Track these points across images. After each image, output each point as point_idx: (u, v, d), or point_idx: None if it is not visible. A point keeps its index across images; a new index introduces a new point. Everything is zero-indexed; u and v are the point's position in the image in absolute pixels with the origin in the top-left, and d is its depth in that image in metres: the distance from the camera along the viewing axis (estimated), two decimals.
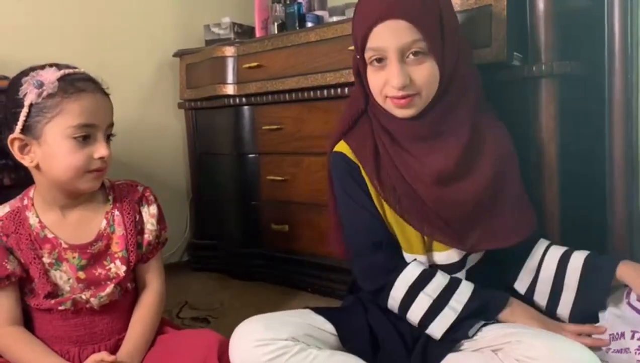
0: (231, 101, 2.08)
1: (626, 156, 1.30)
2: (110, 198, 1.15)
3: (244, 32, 2.34)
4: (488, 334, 1.00)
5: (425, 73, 1.04)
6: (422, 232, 1.08)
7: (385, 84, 1.05)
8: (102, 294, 1.09)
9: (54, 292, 1.08)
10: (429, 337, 1.05)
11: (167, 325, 1.21)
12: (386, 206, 1.12)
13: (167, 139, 2.38)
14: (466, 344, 1.02)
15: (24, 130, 1.03)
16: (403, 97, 1.04)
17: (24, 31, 1.93)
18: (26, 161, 1.05)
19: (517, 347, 0.92)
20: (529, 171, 1.30)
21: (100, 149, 1.05)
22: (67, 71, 1.05)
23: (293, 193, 1.95)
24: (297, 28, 2.09)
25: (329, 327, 1.08)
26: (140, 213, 1.17)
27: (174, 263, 2.35)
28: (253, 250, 2.10)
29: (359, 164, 1.13)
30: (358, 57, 1.11)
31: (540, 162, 1.30)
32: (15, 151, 1.05)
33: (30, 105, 1.01)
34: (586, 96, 1.37)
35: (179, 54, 2.30)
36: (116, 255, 1.12)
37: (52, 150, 1.03)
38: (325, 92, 1.79)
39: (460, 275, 1.11)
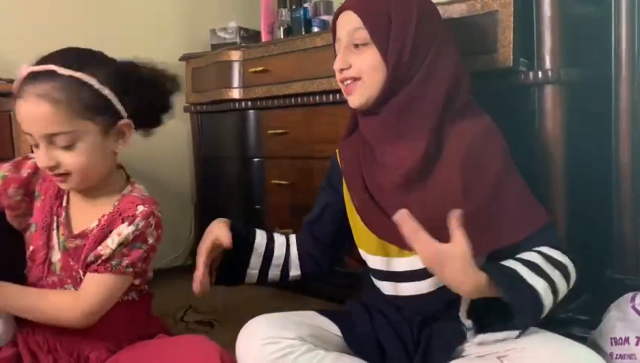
0: (237, 105, 2.09)
1: (633, 163, 1.30)
2: (115, 204, 1.08)
3: (249, 37, 2.35)
4: (492, 339, 1.00)
5: (365, 60, 1.08)
6: (379, 237, 1.08)
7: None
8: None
9: (46, 257, 1.09)
10: (429, 343, 1.05)
11: (162, 332, 1.17)
12: (349, 207, 1.17)
13: (172, 143, 2.39)
14: (469, 350, 1.02)
15: None
16: (344, 80, 1.11)
17: (29, 33, 1.94)
18: None
19: (522, 354, 0.92)
20: (535, 177, 1.29)
21: (37, 159, 1.02)
22: (28, 69, 1.00)
23: (298, 197, 1.95)
24: (303, 33, 2.09)
25: (333, 329, 1.09)
26: (116, 226, 1.05)
27: (178, 267, 2.35)
28: None
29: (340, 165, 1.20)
30: None
31: (545, 168, 1.30)
32: None
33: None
34: (592, 102, 1.37)
35: (185, 58, 2.31)
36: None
37: None
38: (330, 96, 1.79)
39: (426, 284, 1.06)
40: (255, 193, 2.10)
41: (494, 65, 1.31)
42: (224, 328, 1.65)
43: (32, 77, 0.99)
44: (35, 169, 1.11)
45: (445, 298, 1.01)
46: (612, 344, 1.10)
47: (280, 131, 1.97)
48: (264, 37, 2.25)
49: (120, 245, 1.03)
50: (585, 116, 1.35)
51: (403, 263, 1.08)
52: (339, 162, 1.21)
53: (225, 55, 2.09)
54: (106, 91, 1.02)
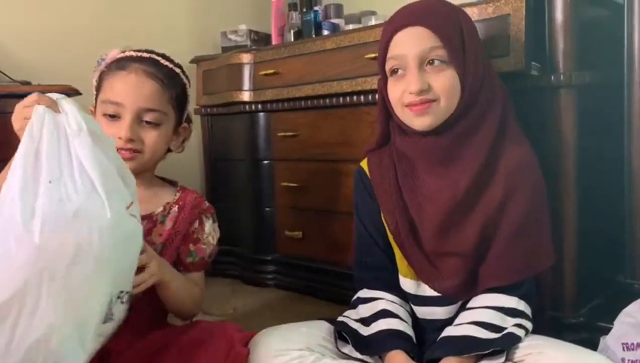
0: (247, 107, 2.09)
1: None
2: (177, 195, 1.19)
3: (260, 40, 2.36)
4: None
5: (445, 81, 1.02)
6: (413, 269, 1.09)
7: (403, 92, 1.04)
8: None
9: None
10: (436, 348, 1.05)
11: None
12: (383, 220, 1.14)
13: None
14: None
15: (95, 101, 1.14)
16: (422, 102, 1.02)
17: (41, 35, 1.96)
18: None
19: (539, 359, 0.92)
20: (546, 180, 1.29)
21: (120, 130, 1.07)
22: (127, 52, 1.11)
23: (307, 199, 1.95)
24: (314, 36, 2.10)
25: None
26: (201, 223, 1.19)
27: None
28: (266, 256, 2.10)
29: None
30: (380, 76, 1.12)
31: (557, 172, 1.29)
32: None
33: (95, 80, 1.13)
34: (605, 106, 1.36)
35: (196, 61, 2.32)
36: (153, 247, 1.12)
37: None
38: (341, 99, 1.79)
39: (454, 307, 1.08)
40: (264, 195, 2.10)
41: (506, 68, 1.30)
42: None
43: (136, 59, 1.10)
44: None
45: None
46: (623, 350, 1.09)
47: (290, 133, 1.97)
48: (274, 40, 2.25)
49: (216, 244, 1.21)
50: (597, 119, 1.34)
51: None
52: (368, 175, 1.17)
53: (235, 57, 2.10)
54: (189, 93, 1.20)
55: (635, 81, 1.26)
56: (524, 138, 1.10)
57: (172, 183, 1.25)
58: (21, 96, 1.50)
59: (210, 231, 1.19)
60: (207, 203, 1.22)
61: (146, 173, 1.18)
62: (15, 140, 1.58)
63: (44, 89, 1.54)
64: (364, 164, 1.19)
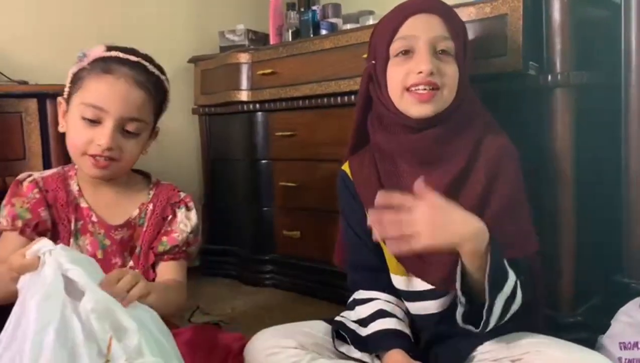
0: (245, 107, 2.09)
1: None
2: (151, 193, 1.16)
3: (258, 39, 2.36)
4: (507, 344, 1.00)
5: (452, 72, 1.03)
6: (403, 265, 1.08)
7: (408, 74, 1.03)
8: None
9: None
10: (439, 353, 1.05)
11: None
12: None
13: (181, 145, 2.39)
14: (482, 356, 1.01)
15: (68, 96, 1.07)
16: (429, 84, 1.02)
17: (39, 35, 1.96)
18: (60, 125, 1.10)
19: (537, 357, 0.92)
20: (544, 180, 1.29)
21: (100, 137, 1.02)
22: (113, 52, 1.06)
23: (305, 199, 1.95)
24: (312, 35, 2.10)
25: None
26: (175, 215, 1.14)
27: None
28: (264, 255, 2.10)
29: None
30: (374, 61, 1.11)
31: (555, 172, 1.30)
32: (59, 113, 1.10)
33: (73, 74, 1.07)
34: (602, 106, 1.36)
35: (194, 60, 2.32)
36: (135, 251, 1.11)
37: (69, 122, 1.06)
38: (338, 99, 1.79)
39: (446, 299, 1.08)
40: (263, 195, 2.10)
41: (503, 68, 1.30)
42: (231, 330, 1.64)
43: (124, 62, 1.05)
44: (36, 186, 1.10)
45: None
46: (621, 349, 1.09)
47: (288, 133, 1.97)
48: (272, 40, 2.25)
49: (192, 232, 1.14)
50: (595, 119, 1.34)
51: (423, 282, 1.08)
52: (351, 178, 1.17)
53: (233, 57, 2.10)
54: (169, 97, 1.14)
55: (632, 80, 1.26)
56: (500, 130, 1.11)
57: (146, 177, 1.21)
58: (19, 96, 1.50)
59: (182, 219, 1.14)
60: (182, 195, 1.18)
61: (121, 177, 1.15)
62: (13, 140, 1.57)
63: (41, 89, 1.55)
64: (345, 167, 1.20)
